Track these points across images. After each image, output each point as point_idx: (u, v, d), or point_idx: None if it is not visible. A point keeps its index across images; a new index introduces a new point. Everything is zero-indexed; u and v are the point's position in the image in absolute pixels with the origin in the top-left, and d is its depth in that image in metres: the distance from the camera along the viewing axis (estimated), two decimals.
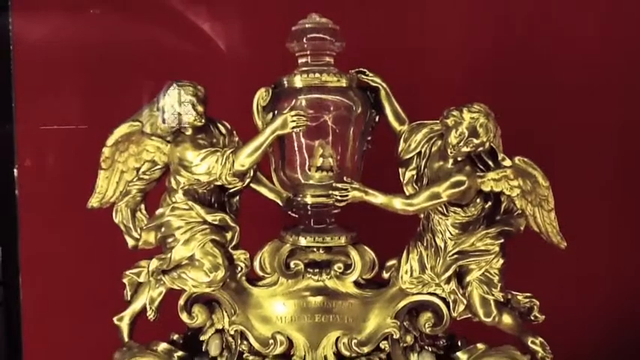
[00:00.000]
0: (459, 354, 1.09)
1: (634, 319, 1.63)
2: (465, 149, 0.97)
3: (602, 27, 1.54)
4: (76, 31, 1.54)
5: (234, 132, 1.09)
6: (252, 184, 1.12)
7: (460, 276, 1.05)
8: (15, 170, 1.58)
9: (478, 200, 1.01)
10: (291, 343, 1.06)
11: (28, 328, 1.62)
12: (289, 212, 1.13)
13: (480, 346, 1.08)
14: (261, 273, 1.07)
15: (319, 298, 1.07)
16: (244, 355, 1.08)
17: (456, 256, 1.03)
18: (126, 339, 1.12)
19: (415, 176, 1.05)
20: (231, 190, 1.11)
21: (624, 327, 1.63)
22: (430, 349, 1.10)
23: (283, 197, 1.13)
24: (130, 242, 1.11)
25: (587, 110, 1.53)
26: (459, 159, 0.99)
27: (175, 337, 1.12)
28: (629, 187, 1.60)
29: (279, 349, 1.05)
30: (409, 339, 1.09)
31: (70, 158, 1.55)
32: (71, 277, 1.56)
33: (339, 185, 1.00)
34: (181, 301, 1.07)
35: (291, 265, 1.05)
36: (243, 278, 1.09)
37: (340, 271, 1.05)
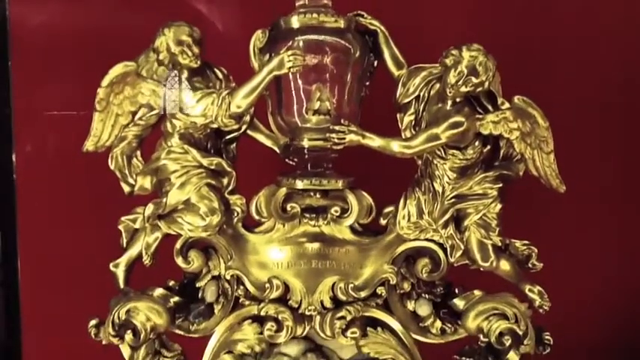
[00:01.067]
0: (455, 301, 1.08)
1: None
2: (463, 89, 0.96)
3: None
4: (74, 15, 1.54)
5: (231, 77, 1.08)
6: (248, 131, 1.11)
7: (458, 221, 1.04)
8: (13, 155, 1.59)
9: (477, 143, 1.00)
10: (287, 288, 1.06)
11: (25, 304, 1.64)
12: (286, 160, 1.12)
13: (476, 292, 1.08)
14: (257, 217, 1.07)
15: (316, 245, 1.06)
16: (240, 300, 1.08)
17: (453, 200, 1.02)
18: (121, 285, 1.11)
19: (413, 121, 1.04)
20: (228, 137, 1.10)
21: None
22: (427, 297, 1.10)
23: (280, 144, 1.12)
24: (126, 189, 1.10)
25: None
26: (458, 100, 0.98)
27: (171, 283, 1.12)
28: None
29: (275, 293, 1.04)
30: (406, 286, 1.09)
31: (69, 144, 1.54)
32: (69, 261, 1.58)
33: (337, 127, 0.99)
34: (177, 245, 1.06)
35: (288, 208, 1.04)
36: (240, 224, 1.08)
37: (337, 214, 1.04)
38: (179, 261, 1.07)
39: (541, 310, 1.07)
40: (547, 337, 1.07)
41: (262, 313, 1.04)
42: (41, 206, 1.59)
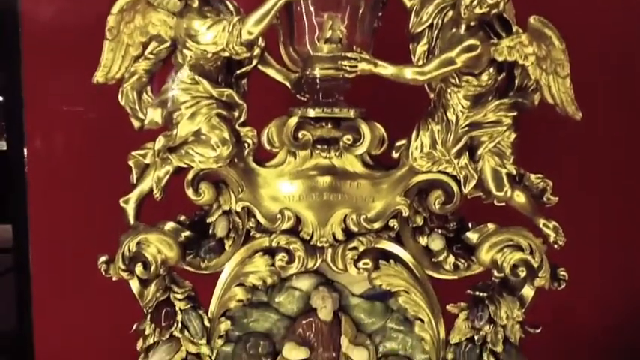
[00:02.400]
0: (468, 234, 1.07)
1: None
2: (478, 10, 0.94)
3: None
4: (86, 10, 1.51)
5: (241, 10, 1.07)
6: (259, 66, 1.10)
7: (471, 151, 1.02)
8: (25, 150, 1.60)
9: (491, 70, 0.99)
10: (298, 221, 1.05)
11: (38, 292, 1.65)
12: (298, 95, 1.11)
13: (490, 225, 1.06)
14: (268, 147, 1.05)
15: (327, 178, 1.05)
16: (251, 234, 1.07)
17: (467, 128, 1.01)
18: (132, 221, 1.10)
19: (427, 52, 1.03)
20: (239, 72, 1.09)
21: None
22: (440, 232, 1.08)
23: (291, 78, 1.11)
24: (136, 124, 1.09)
25: None
26: (472, 24, 0.96)
27: (182, 218, 1.11)
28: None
29: (286, 225, 1.03)
30: (419, 220, 1.08)
31: (79, 139, 1.57)
32: (79, 251, 1.52)
33: (349, 55, 0.98)
34: (188, 177, 1.05)
35: (299, 136, 1.03)
36: (250, 158, 1.07)
37: (349, 143, 1.03)
38: (189, 193, 1.06)
39: (556, 246, 1.05)
40: (562, 272, 1.06)
41: (273, 244, 1.04)
42: (52, 199, 1.60)
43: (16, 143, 1.62)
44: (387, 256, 1.05)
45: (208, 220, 1.11)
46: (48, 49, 1.54)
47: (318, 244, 1.04)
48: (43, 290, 1.64)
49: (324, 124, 1.04)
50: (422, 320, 1.06)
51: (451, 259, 1.08)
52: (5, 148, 1.72)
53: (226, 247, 1.09)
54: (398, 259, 1.06)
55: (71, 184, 1.58)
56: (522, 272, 1.02)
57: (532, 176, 1.06)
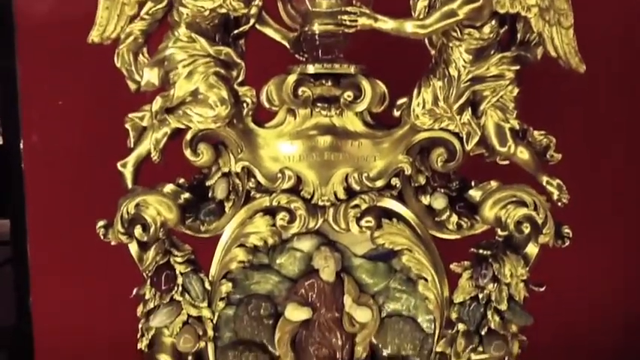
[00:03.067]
0: (471, 192, 1.06)
1: None
2: None
3: None
4: (81, 3, 1.50)
5: None
6: (257, 25, 1.08)
7: (474, 106, 1.01)
8: (21, 144, 1.59)
9: (493, 22, 0.97)
10: (299, 181, 1.03)
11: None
12: (296, 55, 1.10)
13: (493, 183, 1.05)
14: (268, 105, 1.04)
15: (328, 138, 1.03)
16: (251, 194, 1.05)
17: (469, 82, 0.99)
18: (129, 185, 1.09)
19: (427, 7, 1.01)
20: (237, 31, 1.07)
21: None
22: (442, 191, 1.07)
23: (290, 38, 1.09)
24: (133, 86, 1.08)
25: None
26: None
27: (181, 181, 1.09)
28: None
29: (287, 184, 1.02)
30: (421, 179, 1.06)
31: (76, 133, 1.55)
32: (78, 245, 1.54)
33: (349, 9, 0.96)
34: (187, 137, 1.04)
35: (299, 92, 1.01)
36: (249, 118, 1.05)
37: (350, 99, 1.01)
38: (188, 154, 1.04)
39: (559, 204, 1.04)
40: (566, 230, 1.05)
41: (274, 204, 1.02)
42: (49, 193, 1.59)
43: (13, 137, 1.62)
44: (390, 214, 1.04)
45: (207, 183, 1.09)
46: (43, 44, 1.53)
47: (320, 203, 1.02)
48: (42, 281, 1.64)
49: (323, 82, 1.02)
50: (425, 279, 1.05)
51: (454, 218, 1.06)
52: (1, 142, 1.73)
53: (226, 209, 1.07)
54: (400, 217, 1.04)
55: (68, 177, 1.58)
56: (527, 229, 1.01)
57: (535, 133, 1.05)
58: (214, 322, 1.08)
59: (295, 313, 1.06)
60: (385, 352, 1.09)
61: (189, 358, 1.10)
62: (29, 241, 1.63)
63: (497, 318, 1.04)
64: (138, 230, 1.03)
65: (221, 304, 1.08)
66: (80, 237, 1.44)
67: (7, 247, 1.72)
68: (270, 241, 1.04)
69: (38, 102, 1.58)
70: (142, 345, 1.11)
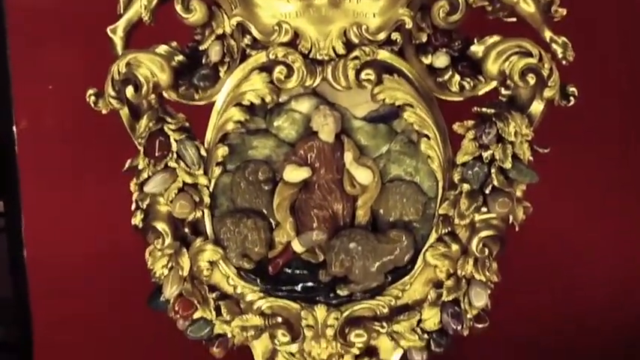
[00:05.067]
0: (473, 48, 1.02)
1: None
2: None
3: None
4: None
5: None
6: None
7: None
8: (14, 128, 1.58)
9: None
10: (296, 37, 0.99)
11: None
12: None
13: (495, 37, 1.01)
14: None
15: None
16: (247, 52, 1.02)
17: None
18: (120, 51, 1.05)
19: None
20: None
21: None
22: (444, 50, 1.04)
23: None
24: None
25: None
26: None
27: (174, 44, 1.05)
28: None
29: (284, 38, 0.97)
30: (422, 37, 1.02)
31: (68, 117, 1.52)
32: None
33: None
34: None
35: None
36: None
37: None
38: (179, 9, 0.99)
39: (564, 62, 1.01)
40: (571, 89, 1.02)
41: (271, 57, 0.98)
42: (43, 176, 1.60)
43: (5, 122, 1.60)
44: (391, 70, 1.01)
45: (201, 48, 1.05)
46: (34, 27, 1.50)
47: (318, 57, 0.99)
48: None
49: None
50: (428, 137, 1.02)
51: (457, 78, 1.03)
52: None
53: (221, 74, 1.04)
54: (402, 73, 1.01)
55: (61, 160, 1.57)
56: (532, 79, 0.97)
57: None
58: (211, 189, 1.06)
59: (294, 173, 1.03)
60: (387, 218, 1.06)
61: (185, 229, 1.08)
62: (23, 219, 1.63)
63: (501, 177, 1.02)
64: (129, 91, 0.99)
65: (217, 170, 1.05)
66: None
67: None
68: (268, 99, 1.00)
69: (30, 87, 1.55)
70: (137, 220, 1.08)
